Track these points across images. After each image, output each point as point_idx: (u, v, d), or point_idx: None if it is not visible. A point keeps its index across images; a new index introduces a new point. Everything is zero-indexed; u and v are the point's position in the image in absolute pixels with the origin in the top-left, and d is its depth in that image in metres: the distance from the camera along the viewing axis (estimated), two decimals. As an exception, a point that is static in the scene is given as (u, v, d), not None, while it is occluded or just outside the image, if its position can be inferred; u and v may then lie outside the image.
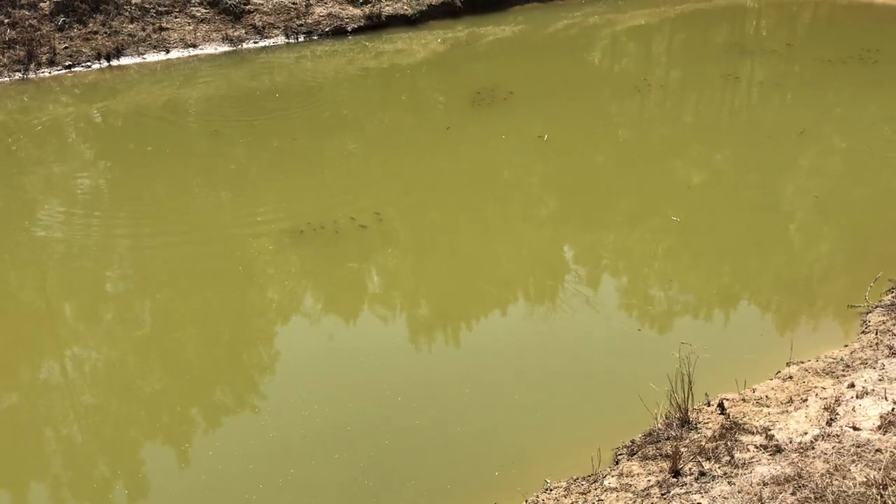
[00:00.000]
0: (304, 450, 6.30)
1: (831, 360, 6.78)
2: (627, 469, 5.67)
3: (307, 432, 6.47)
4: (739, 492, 4.91)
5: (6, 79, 14.23)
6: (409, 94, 14.71)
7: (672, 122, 13.35)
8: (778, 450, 5.38)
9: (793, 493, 4.71)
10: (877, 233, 9.44)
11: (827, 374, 6.56)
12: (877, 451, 4.96)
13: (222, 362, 7.51)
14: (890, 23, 17.63)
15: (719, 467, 5.30)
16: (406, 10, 17.47)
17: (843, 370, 6.55)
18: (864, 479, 4.64)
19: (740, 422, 5.88)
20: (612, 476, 5.65)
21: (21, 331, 7.93)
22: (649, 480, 5.44)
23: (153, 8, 15.86)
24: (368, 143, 12.23)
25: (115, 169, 11.49)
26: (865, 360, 6.61)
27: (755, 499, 4.79)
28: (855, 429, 5.46)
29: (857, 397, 5.95)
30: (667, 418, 6.09)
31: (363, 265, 9.04)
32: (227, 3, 16.34)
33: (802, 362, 6.87)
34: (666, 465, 5.49)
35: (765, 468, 5.12)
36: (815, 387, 6.35)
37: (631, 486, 5.46)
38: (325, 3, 17.12)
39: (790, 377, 6.61)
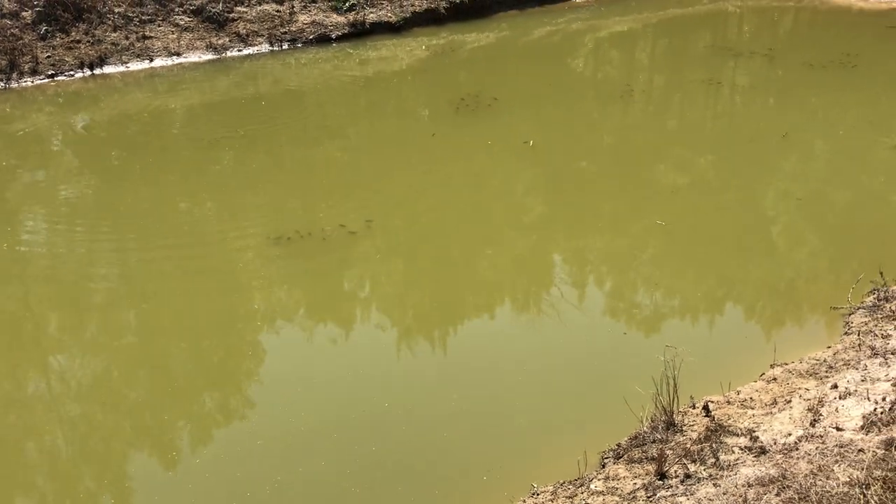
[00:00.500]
0: (291, 456, 6.29)
1: (815, 362, 6.83)
2: (614, 472, 5.69)
3: (294, 439, 6.47)
4: (725, 493, 4.94)
5: (-12, 88, 14.17)
6: (393, 100, 14.73)
7: (656, 127, 13.43)
8: (762, 451, 5.42)
9: (777, 494, 4.75)
10: (859, 235, 9.53)
11: (810, 375, 6.61)
12: (859, 451, 5.00)
13: (209, 370, 7.50)
14: (868, 28, 17.81)
15: (705, 469, 5.33)
16: (390, 17, 17.51)
17: (827, 371, 6.61)
18: (847, 479, 4.68)
19: (725, 424, 5.91)
20: (599, 479, 5.67)
21: (3, 342, 7.88)
22: (635, 483, 5.46)
23: (136, 17, 15.82)
24: (354, 150, 12.24)
25: (99, 178, 11.44)
26: (848, 361, 6.66)
27: (740, 500, 4.82)
28: (838, 429, 5.51)
29: (840, 398, 6.00)
30: (652, 421, 6.12)
31: (350, 272, 9.05)
32: (210, 11, 16.33)
33: (786, 364, 6.92)
34: (652, 467, 5.52)
35: (749, 469, 5.16)
36: (799, 388, 6.40)
37: (617, 489, 5.49)
38: (309, 11, 17.13)
39: (774, 379, 6.66)
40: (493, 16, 18.66)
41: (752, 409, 6.21)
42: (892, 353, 6.55)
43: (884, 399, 5.76)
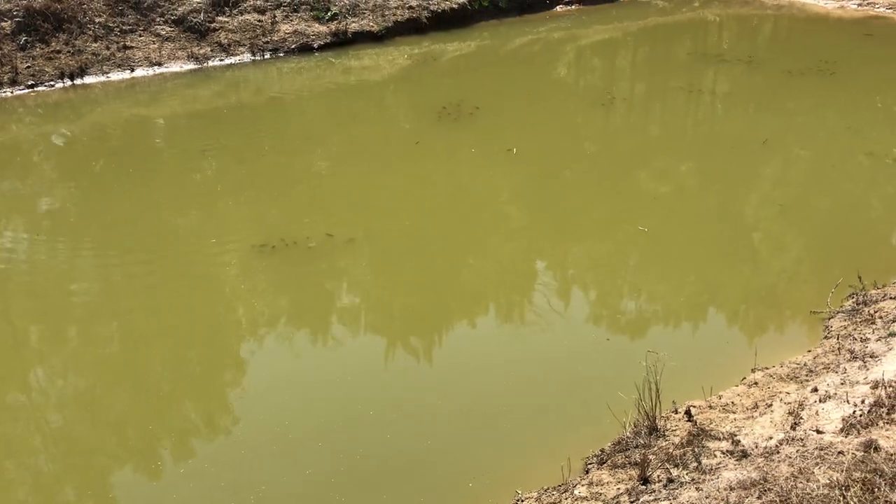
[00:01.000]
0: (275, 466, 6.27)
1: (795, 366, 6.89)
2: (597, 478, 5.71)
3: (278, 448, 6.45)
4: (707, 497, 4.97)
5: (-32, 99, 14.07)
6: (376, 109, 14.75)
7: (637, 134, 13.52)
8: (744, 455, 5.46)
9: (759, 497, 4.78)
10: (838, 240, 9.63)
11: (791, 379, 6.67)
12: (839, 453, 5.05)
13: (193, 379, 7.47)
14: (845, 35, 18.03)
15: (687, 474, 5.36)
16: (372, 26, 17.54)
17: (807, 375, 6.66)
18: (828, 481, 4.72)
19: (707, 428, 5.95)
20: (583, 485, 5.69)
21: (-16, 354, 7.82)
22: (619, 489, 5.48)
23: (117, 27, 15.77)
24: (338, 159, 12.24)
25: (81, 189, 11.38)
26: (828, 364, 6.73)
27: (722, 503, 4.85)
28: (818, 432, 5.55)
29: (820, 401, 6.05)
30: (635, 426, 6.15)
31: (335, 280, 9.04)
32: (192, 21, 16.30)
33: (767, 368, 6.98)
34: (635, 472, 5.54)
35: (731, 473, 5.19)
36: (780, 392, 6.45)
37: (601, 494, 5.51)
38: (291, 21, 17.14)
39: (755, 383, 6.71)
40: (475, 25, 18.73)
41: (734, 413, 6.25)
42: (871, 357, 6.62)
43: (863, 402, 5.82)
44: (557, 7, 20.06)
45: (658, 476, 5.42)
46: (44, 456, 6.58)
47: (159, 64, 15.56)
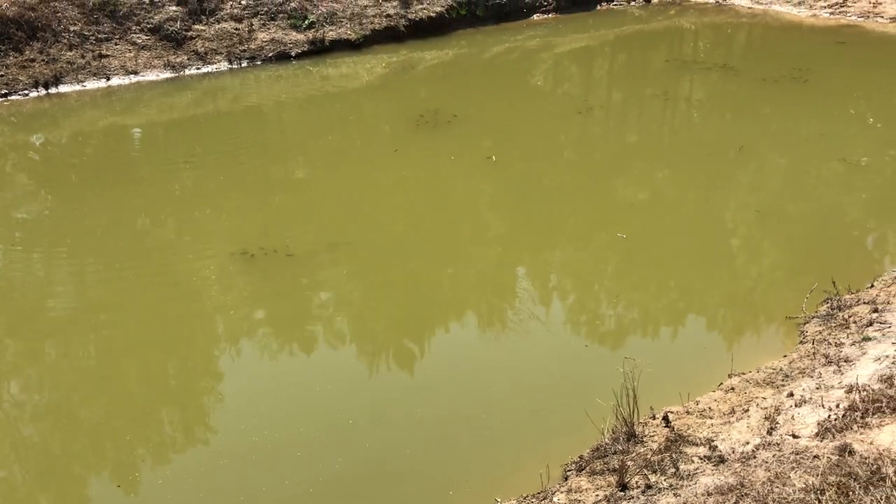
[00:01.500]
0: (254, 476, 6.23)
1: (771, 371, 6.95)
2: (576, 485, 5.72)
3: (257, 458, 6.41)
4: (685, 503, 5.00)
5: (-60, 108, 13.91)
6: (354, 117, 14.73)
7: (615, 141, 13.60)
8: (721, 460, 5.49)
9: (736, 502, 4.81)
10: (814, 245, 9.73)
11: (767, 384, 6.72)
12: (815, 457, 5.09)
13: (171, 389, 7.41)
14: (818, 43, 18.26)
15: (665, 479, 5.39)
16: (350, 34, 17.55)
17: (783, 380, 6.72)
18: (804, 486, 4.76)
19: (685, 434, 5.98)
20: (562, 492, 5.70)
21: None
22: (597, 495, 5.50)
23: (93, 35, 15.66)
24: (316, 167, 12.22)
25: (56, 199, 11.26)
26: (803, 369, 6.79)
27: (700, 509, 4.88)
28: (794, 436, 5.60)
29: (795, 406, 6.10)
30: (613, 433, 6.17)
31: (314, 288, 9.01)
32: (168, 29, 16.23)
33: (744, 373, 7.03)
34: (613, 479, 5.56)
35: (709, 479, 5.22)
36: (756, 397, 6.50)
37: (580, 501, 5.52)
38: (269, 29, 17.11)
39: (732, 388, 6.76)
40: (452, 33, 18.78)
41: (711, 418, 6.29)
42: (846, 361, 6.69)
43: (837, 406, 5.88)
44: (535, 15, 20.17)
45: (636, 482, 5.44)
46: (18, 468, 6.50)
47: (135, 72, 15.47)
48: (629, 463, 5.65)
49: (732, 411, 6.34)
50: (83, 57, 15.30)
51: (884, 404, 5.64)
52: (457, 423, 6.83)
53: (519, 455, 6.43)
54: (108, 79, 15.22)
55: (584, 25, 19.96)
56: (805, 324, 7.89)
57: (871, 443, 5.13)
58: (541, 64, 17.72)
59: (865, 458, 4.90)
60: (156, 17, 16.30)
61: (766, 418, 6.02)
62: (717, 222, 10.39)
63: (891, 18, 19.37)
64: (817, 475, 4.82)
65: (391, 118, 14.37)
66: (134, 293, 8.75)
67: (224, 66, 16.23)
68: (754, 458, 5.35)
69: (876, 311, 7.53)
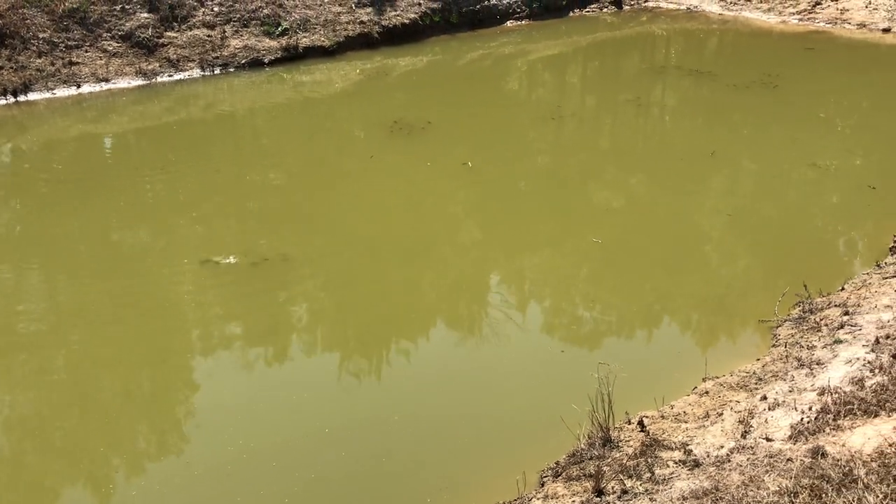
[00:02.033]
0: (230, 486, 6.17)
1: (745, 374, 7.00)
2: (552, 491, 5.72)
3: (233, 468, 6.35)
4: (660, 507, 5.01)
5: None
6: (328, 123, 14.70)
7: (589, 147, 13.67)
8: (696, 464, 5.52)
9: (711, 506, 4.83)
10: (785, 249, 9.83)
11: (741, 387, 6.77)
12: (788, 460, 5.13)
13: (144, 402, 7.32)
14: (788, 49, 18.49)
15: (641, 484, 5.40)
16: (323, 41, 17.50)
17: (756, 383, 6.77)
18: (777, 489, 4.79)
19: (660, 438, 6.01)
20: (538, 499, 5.70)
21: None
22: (574, 501, 5.50)
23: (62, 42, 15.50)
24: (291, 173, 12.16)
25: (26, 209, 11.11)
26: (776, 372, 6.84)
27: (675, 513, 4.90)
28: (768, 440, 5.64)
29: (769, 409, 6.15)
30: (589, 438, 6.19)
31: (288, 296, 8.95)
32: (140, 36, 16.09)
33: (718, 377, 7.08)
34: (589, 484, 5.57)
35: (684, 483, 5.24)
36: (730, 401, 6.54)
37: (556, 507, 5.52)
38: (241, 36, 17.02)
39: (706, 392, 6.80)
40: (426, 40, 18.81)
41: (686, 422, 6.32)
42: (817, 364, 6.76)
43: (810, 408, 5.93)
44: (508, 22, 20.25)
45: (612, 487, 5.45)
46: (-13, 483, 6.40)
47: (106, 80, 15.32)
48: (605, 468, 5.66)
49: (707, 415, 6.38)
50: (53, 64, 15.13)
51: (855, 406, 5.70)
52: (433, 430, 6.81)
53: (495, 461, 6.43)
54: (79, 86, 15.06)
55: (557, 32, 20.07)
56: (778, 327, 7.97)
57: (843, 445, 5.18)
58: (515, 70, 17.79)
59: (838, 461, 4.95)
60: (127, 24, 16.16)
61: (740, 422, 6.06)
62: (691, 227, 10.47)
63: (858, 24, 19.67)
64: (791, 478, 4.86)
65: (366, 125, 14.35)
66: (106, 302, 8.64)
67: (197, 73, 16.12)
68: (729, 461, 5.38)
69: (847, 313, 7.61)
